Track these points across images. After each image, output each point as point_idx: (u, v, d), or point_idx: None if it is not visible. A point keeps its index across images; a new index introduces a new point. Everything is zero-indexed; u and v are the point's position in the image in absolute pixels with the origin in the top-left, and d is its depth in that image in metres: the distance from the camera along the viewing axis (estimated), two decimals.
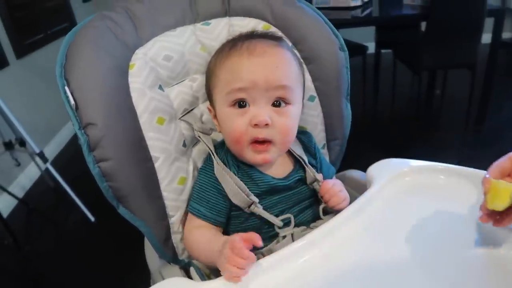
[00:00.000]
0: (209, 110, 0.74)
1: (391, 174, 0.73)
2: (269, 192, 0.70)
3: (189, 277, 0.72)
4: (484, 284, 0.55)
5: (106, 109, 0.63)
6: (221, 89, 0.67)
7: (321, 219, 0.73)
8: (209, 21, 0.80)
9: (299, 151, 0.76)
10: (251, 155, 0.67)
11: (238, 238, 0.55)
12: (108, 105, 0.63)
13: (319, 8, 2.74)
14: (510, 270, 0.55)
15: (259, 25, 0.80)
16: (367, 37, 3.17)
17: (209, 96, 0.73)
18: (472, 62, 2.41)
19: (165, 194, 0.70)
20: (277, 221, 0.69)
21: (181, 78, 0.76)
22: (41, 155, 2.06)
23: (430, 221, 0.65)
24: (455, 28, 2.28)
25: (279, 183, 0.71)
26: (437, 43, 2.33)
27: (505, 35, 3.48)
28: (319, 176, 0.74)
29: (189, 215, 0.72)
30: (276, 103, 0.66)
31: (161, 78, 0.73)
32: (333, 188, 0.71)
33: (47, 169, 2.11)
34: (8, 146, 2.17)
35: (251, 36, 0.72)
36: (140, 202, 0.67)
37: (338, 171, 0.90)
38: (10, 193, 2.17)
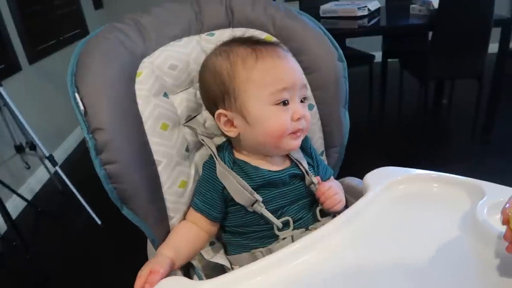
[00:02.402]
0: (221, 115, 0.73)
1: (386, 182, 0.75)
2: (264, 186, 0.73)
3: (189, 277, 0.74)
4: None
5: (113, 115, 0.66)
6: (259, 90, 0.69)
7: (319, 221, 0.75)
8: (214, 32, 0.83)
9: (296, 154, 0.79)
10: (289, 143, 0.72)
11: (147, 271, 0.63)
12: (115, 112, 0.66)
13: (326, 18, 2.78)
14: (504, 279, 0.56)
15: (262, 36, 0.83)
16: (374, 47, 3.20)
17: (225, 101, 0.72)
18: (479, 72, 2.42)
19: (166, 196, 0.73)
20: (277, 222, 0.72)
21: (186, 86, 0.79)
22: (51, 158, 2.11)
23: (422, 228, 0.66)
24: (461, 38, 2.29)
25: (273, 176, 0.74)
26: (443, 53, 2.34)
27: None
28: (315, 179, 0.76)
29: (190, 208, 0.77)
30: (303, 100, 0.74)
31: (166, 86, 0.76)
32: (328, 191, 0.74)
33: (56, 172, 2.16)
34: (19, 149, 2.22)
35: (263, 42, 0.76)
36: (143, 203, 0.70)
37: (338, 178, 0.92)
38: (19, 195, 2.21)
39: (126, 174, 0.67)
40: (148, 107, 0.71)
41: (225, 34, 0.83)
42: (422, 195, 0.73)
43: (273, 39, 0.83)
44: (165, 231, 0.74)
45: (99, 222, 2.07)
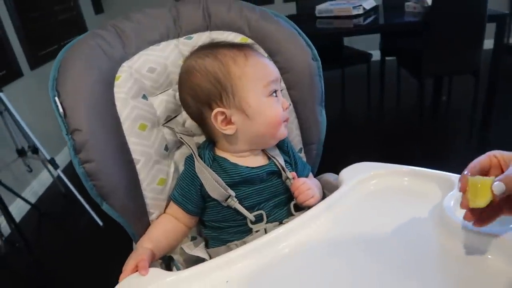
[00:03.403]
0: (219, 114, 0.74)
1: (358, 177, 0.78)
2: (242, 183, 0.76)
3: (178, 268, 0.78)
4: (447, 282, 0.57)
5: (91, 117, 0.70)
6: (254, 84, 0.74)
7: (293, 215, 0.78)
8: (192, 35, 0.87)
9: (273, 151, 0.82)
10: (282, 131, 0.78)
11: (132, 262, 0.66)
12: (92, 114, 0.70)
13: (322, 18, 2.80)
14: (465, 269, 0.57)
15: (237, 38, 0.87)
16: (373, 45, 3.21)
17: (222, 99, 0.74)
18: (475, 68, 2.42)
19: (145, 193, 0.77)
20: (250, 216, 0.75)
21: (165, 87, 0.83)
22: (53, 162, 2.15)
23: (390, 221, 0.68)
24: (455, 34, 2.30)
25: (251, 173, 0.77)
26: (438, 49, 2.35)
27: None
28: (291, 174, 0.79)
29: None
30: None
31: (145, 88, 0.80)
32: (302, 185, 0.77)
33: (58, 175, 2.20)
34: (21, 153, 2.28)
35: (241, 44, 0.81)
36: (122, 199, 0.73)
37: (318, 173, 0.95)
38: (23, 198, 2.27)
39: (103, 172, 0.70)
40: (126, 109, 0.75)
41: (202, 37, 0.86)
42: (393, 189, 0.76)
43: (248, 40, 0.87)
44: (145, 227, 0.78)
45: (100, 223, 2.12)
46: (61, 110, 0.68)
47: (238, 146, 0.78)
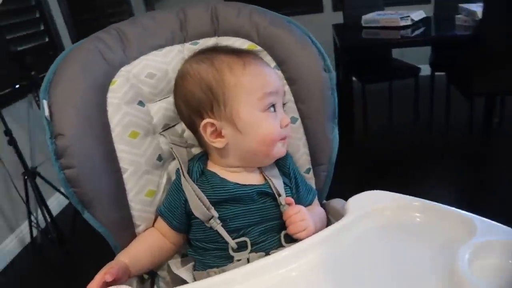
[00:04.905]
0: (208, 125, 0.70)
1: (366, 207, 0.69)
2: (229, 201, 0.70)
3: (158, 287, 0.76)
4: None
5: (76, 122, 0.67)
6: (249, 96, 0.68)
7: (283, 246, 0.70)
8: (198, 41, 0.82)
9: (270, 172, 0.75)
10: (279, 150, 0.72)
11: (100, 272, 0.62)
12: (79, 119, 0.68)
13: (368, 28, 2.69)
14: None
15: (244, 45, 0.81)
16: (423, 59, 3.03)
17: (213, 109, 0.69)
18: None
19: (132, 204, 0.72)
20: (232, 242, 0.68)
21: (165, 94, 0.79)
22: None
23: (392, 263, 0.59)
24: (508, 50, 2.09)
25: (239, 190, 0.70)
26: (489, 66, 2.15)
27: None
28: (286, 200, 0.71)
29: None
30: (284, 107, 0.75)
31: (143, 94, 0.76)
32: (296, 215, 0.68)
33: None
34: None
35: (242, 50, 0.75)
36: (105, 209, 0.70)
37: (330, 198, 0.87)
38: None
39: (85, 179, 0.67)
40: (117, 115, 0.71)
41: (209, 43, 0.82)
42: (402, 226, 0.66)
43: (257, 48, 0.81)
44: (130, 239, 0.74)
45: None
46: (47, 113, 0.67)
47: (229, 160, 0.73)
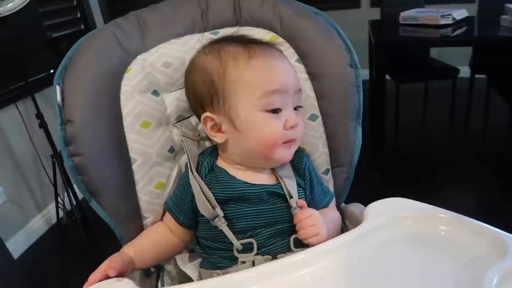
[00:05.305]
0: (208, 119, 0.68)
1: (385, 216, 0.64)
2: (237, 199, 0.67)
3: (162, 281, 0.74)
4: None
5: (87, 110, 0.66)
6: (249, 92, 0.64)
7: (292, 251, 0.66)
8: (218, 30, 0.79)
9: (283, 171, 0.71)
10: (282, 154, 0.67)
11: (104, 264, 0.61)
12: (91, 106, 0.66)
13: (406, 25, 2.56)
14: None
15: (266, 36, 0.77)
16: (462, 60, 2.88)
17: (213, 103, 0.67)
18: None
19: (140, 195, 0.71)
20: (237, 243, 0.65)
21: (181, 85, 0.76)
22: None
23: (412, 274, 0.55)
24: None
25: (248, 189, 0.67)
26: None
27: None
28: (297, 202, 0.67)
29: None
30: (297, 108, 0.68)
31: (158, 84, 0.74)
32: (307, 219, 0.64)
33: None
34: None
35: (257, 41, 0.70)
36: (113, 199, 0.68)
37: (349, 202, 0.82)
38: None
39: (93, 167, 0.66)
40: (130, 103, 0.70)
41: (229, 33, 0.78)
42: (423, 239, 0.60)
43: (279, 39, 0.76)
44: (138, 230, 0.72)
45: None
46: (59, 99, 0.65)
47: (231, 157, 0.70)
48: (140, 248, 0.68)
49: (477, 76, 2.74)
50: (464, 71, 2.70)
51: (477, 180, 2.20)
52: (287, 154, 0.68)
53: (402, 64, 2.77)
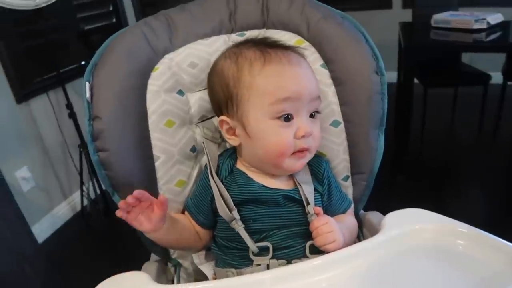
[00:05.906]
0: (224, 122, 0.69)
1: (403, 227, 0.63)
2: (253, 201, 0.68)
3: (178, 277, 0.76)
4: None
5: (114, 106, 0.68)
6: (260, 99, 0.64)
7: (307, 257, 0.66)
8: (245, 32, 0.80)
9: (302, 177, 0.71)
10: (291, 164, 0.67)
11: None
12: (118, 103, 0.68)
13: (438, 28, 2.50)
14: None
15: (292, 40, 0.77)
16: (495, 66, 2.79)
17: (228, 108, 0.68)
18: None
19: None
20: (253, 246, 0.65)
21: (205, 85, 0.77)
22: None
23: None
24: None
25: (264, 192, 0.68)
26: None
27: None
28: (315, 209, 0.67)
29: None
30: (313, 114, 0.67)
31: (183, 84, 0.75)
32: (324, 226, 0.64)
33: None
34: None
35: (277, 44, 0.69)
36: None
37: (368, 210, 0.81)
38: None
39: (117, 163, 0.68)
40: (155, 102, 0.71)
41: (254, 35, 0.78)
42: (440, 253, 0.60)
43: (304, 43, 0.76)
44: None
45: None
46: (87, 95, 0.68)
47: (247, 160, 0.71)
48: (171, 222, 0.68)
49: (509, 83, 2.65)
50: (496, 78, 2.62)
51: (503, 191, 2.13)
52: (297, 164, 0.67)
53: (431, 68, 2.71)
